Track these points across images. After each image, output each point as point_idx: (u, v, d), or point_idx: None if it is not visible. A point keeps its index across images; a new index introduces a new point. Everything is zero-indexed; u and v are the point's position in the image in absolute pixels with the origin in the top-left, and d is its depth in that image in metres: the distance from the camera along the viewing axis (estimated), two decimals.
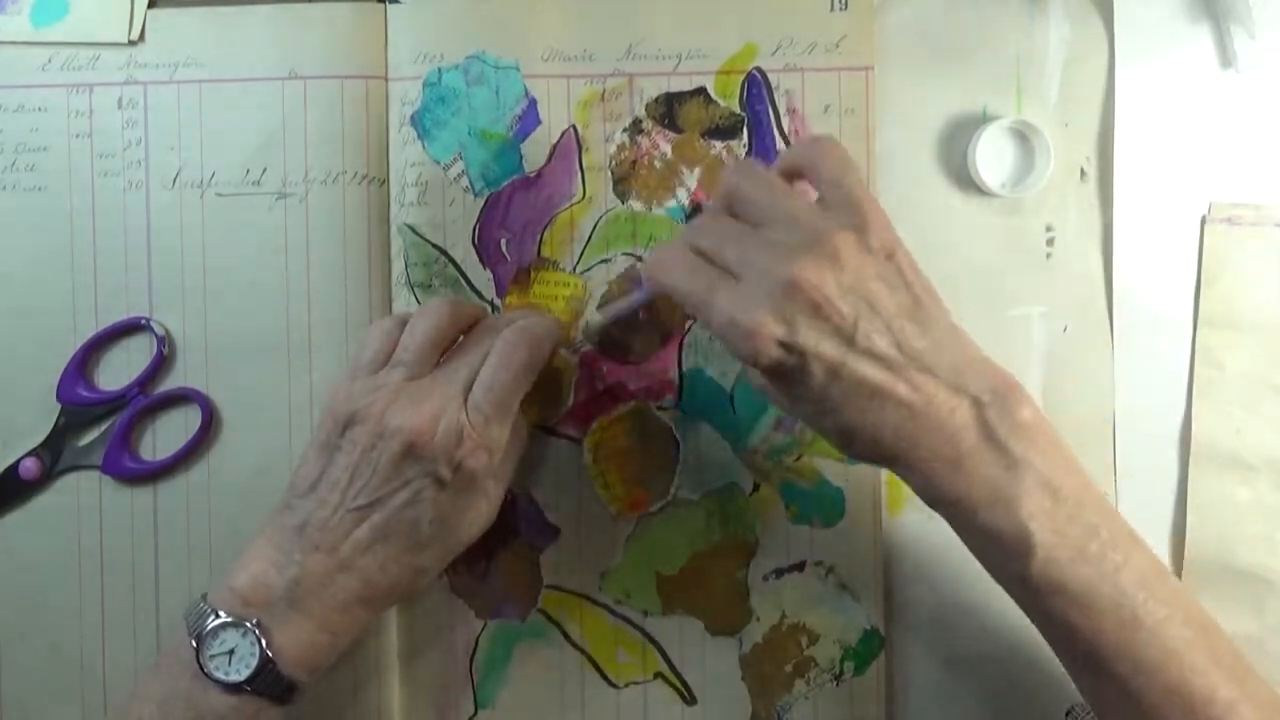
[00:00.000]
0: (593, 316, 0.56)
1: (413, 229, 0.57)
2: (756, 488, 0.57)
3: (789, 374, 0.44)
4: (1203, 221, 0.56)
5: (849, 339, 0.44)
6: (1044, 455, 0.45)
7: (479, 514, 0.51)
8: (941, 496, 0.45)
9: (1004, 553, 0.44)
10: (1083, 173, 0.57)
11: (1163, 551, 0.56)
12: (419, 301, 0.57)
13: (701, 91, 0.57)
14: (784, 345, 0.43)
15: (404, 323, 0.51)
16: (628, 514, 0.57)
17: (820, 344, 0.43)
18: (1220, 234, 0.56)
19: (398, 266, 0.57)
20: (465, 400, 0.49)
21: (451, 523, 0.49)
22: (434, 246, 0.57)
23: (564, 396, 0.57)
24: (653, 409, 0.57)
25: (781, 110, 0.57)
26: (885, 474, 0.57)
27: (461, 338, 0.52)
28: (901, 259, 0.45)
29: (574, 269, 0.57)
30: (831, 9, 0.57)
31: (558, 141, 0.57)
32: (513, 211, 0.57)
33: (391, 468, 0.48)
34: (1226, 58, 0.56)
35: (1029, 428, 0.45)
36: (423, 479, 0.48)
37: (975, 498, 0.44)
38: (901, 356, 0.44)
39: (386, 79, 0.57)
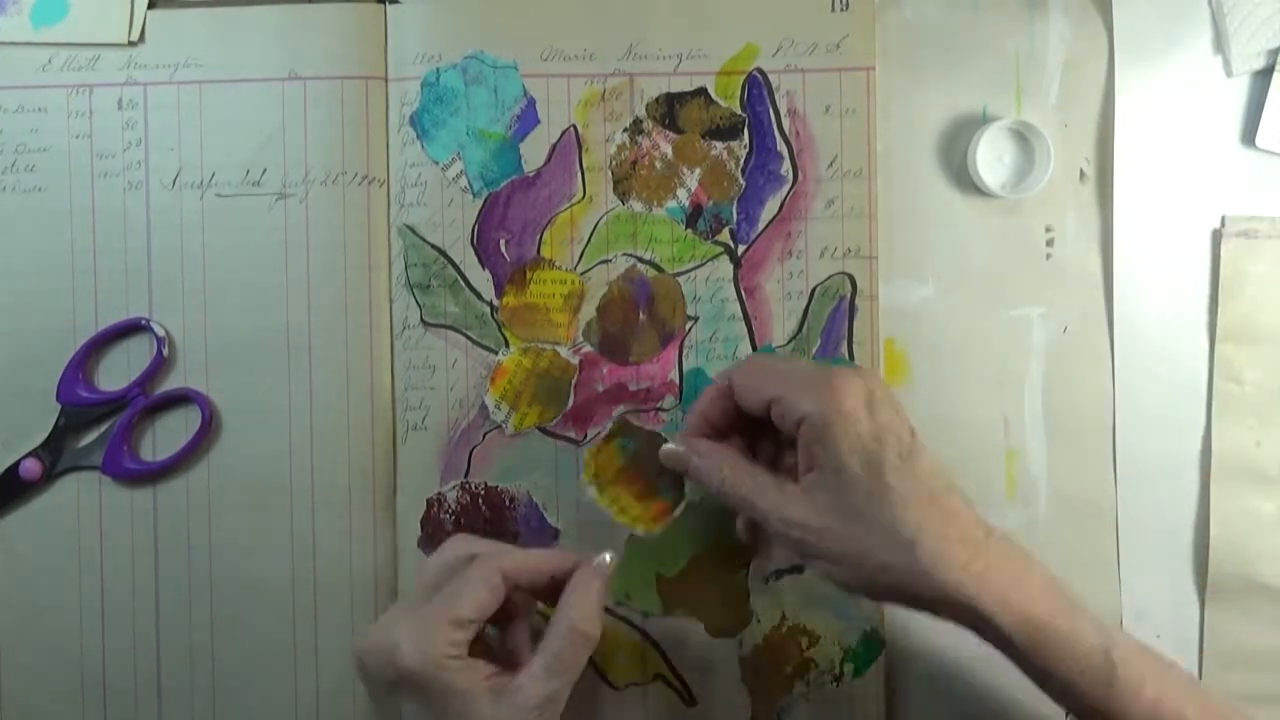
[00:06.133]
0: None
1: (412, 229, 0.57)
2: None
3: (869, 451, 0.46)
4: (1218, 235, 0.56)
5: (910, 431, 0.48)
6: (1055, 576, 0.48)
7: (507, 699, 0.47)
8: (1019, 610, 0.46)
9: (1088, 656, 0.45)
10: (1082, 174, 0.57)
11: (1183, 564, 0.56)
12: (418, 303, 0.57)
13: (702, 92, 0.57)
14: (867, 405, 0.47)
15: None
16: (655, 526, 0.56)
17: (894, 417, 0.47)
18: (1237, 248, 0.56)
19: (397, 267, 0.57)
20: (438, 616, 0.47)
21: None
22: (433, 247, 0.57)
23: (564, 397, 0.57)
24: (631, 422, 0.57)
25: (782, 111, 0.57)
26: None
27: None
28: None
29: (574, 269, 0.57)
30: (832, 9, 0.57)
31: (557, 141, 0.57)
32: (511, 212, 0.57)
33: (373, 692, 0.48)
34: (1224, 59, 0.56)
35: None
36: (390, 693, 0.47)
37: (1051, 605, 0.46)
38: (942, 470, 0.48)
39: (386, 79, 0.57)
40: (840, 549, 0.47)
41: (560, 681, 0.47)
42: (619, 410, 0.57)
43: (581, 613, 0.48)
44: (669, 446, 0.52)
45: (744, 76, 0.57)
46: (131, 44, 0.57)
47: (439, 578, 0.48)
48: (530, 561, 0.49)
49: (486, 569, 0.48)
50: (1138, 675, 0.45)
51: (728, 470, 0.50)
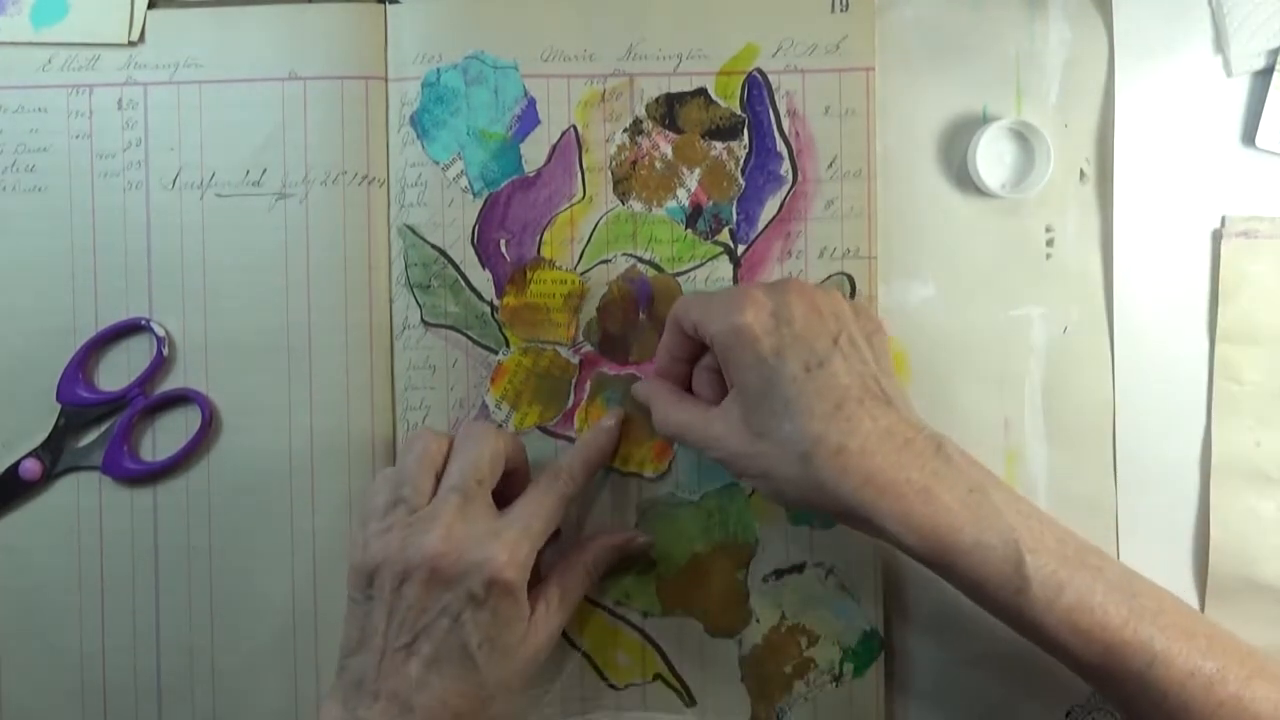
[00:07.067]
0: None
1: (412, 229, 0.57)
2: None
3: (767, 366, 0.47)
4: (1218, 235, 0.56)
5: (833, 337, 0.48)
6: (993, 479, 0.47)
7: (530, 629, 0.49)
8: (921, 525, 0.45)
9: (998, 567, 0.45)
10: (1082, 174, 0.57)
11: (1183, 564, 0.56)
12: (419, 303, 0.57)
13: (702, 92, 0.57)
14: (774, 316, 0.47)
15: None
16: (662, 465, 0.56)
17: (814, 325, 0.47)
18: (1237, 248, 0.56)
19: (397, 267, 0.57)
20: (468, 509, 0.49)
21: (503, 642, 0.48)
22: (433, 247, 0.57)
23: (564, 396, 0.57)
24: (605, 373, 0.57)
25: (782, 111, 0.57)
26: None
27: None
28: None
29: (574, 269, 0.57)
30: (832, 10, 0.57)
31: (557, 142, 0.57)
32: (512, 212, 0.57)
33: (424, 598, 0.47)
34: (1224, 59, 0.56)
35: (972, 460, 0.48)
36: (458, 600, 0.47)
37: (958, 519, 0.45)
38: (871, 375, 0.48)
39: (386, 79, 0.57)
40: (756, 466, 0.48)
41: (566, 616, 0.52)
42: (594, 373, 0.57)
43: (599, 559, 0.54)
44: (635, 386, 0.55)
45: (744, 77, 0.57)
46: (131, 44, 0.57)
47: (483, 469, 0.50)
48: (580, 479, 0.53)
49: (561, 496, 0.52)
50: (1054, 584, 0.45)
51: (662, 403, 0.52)
